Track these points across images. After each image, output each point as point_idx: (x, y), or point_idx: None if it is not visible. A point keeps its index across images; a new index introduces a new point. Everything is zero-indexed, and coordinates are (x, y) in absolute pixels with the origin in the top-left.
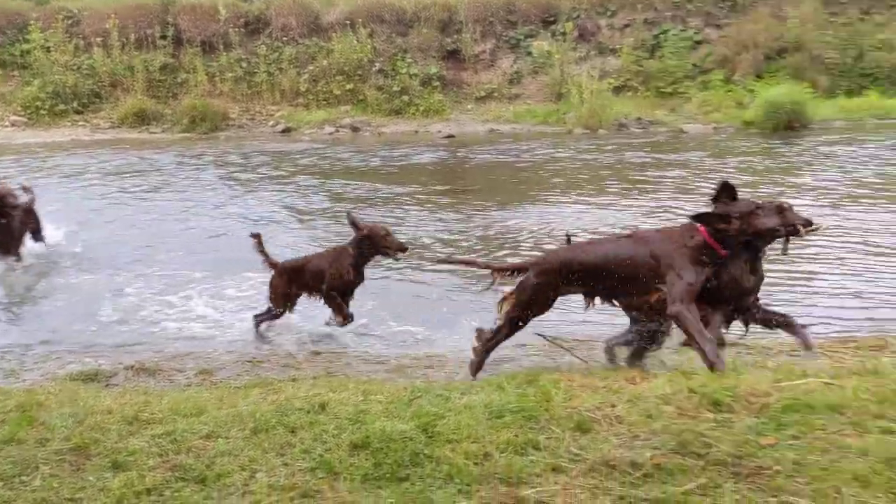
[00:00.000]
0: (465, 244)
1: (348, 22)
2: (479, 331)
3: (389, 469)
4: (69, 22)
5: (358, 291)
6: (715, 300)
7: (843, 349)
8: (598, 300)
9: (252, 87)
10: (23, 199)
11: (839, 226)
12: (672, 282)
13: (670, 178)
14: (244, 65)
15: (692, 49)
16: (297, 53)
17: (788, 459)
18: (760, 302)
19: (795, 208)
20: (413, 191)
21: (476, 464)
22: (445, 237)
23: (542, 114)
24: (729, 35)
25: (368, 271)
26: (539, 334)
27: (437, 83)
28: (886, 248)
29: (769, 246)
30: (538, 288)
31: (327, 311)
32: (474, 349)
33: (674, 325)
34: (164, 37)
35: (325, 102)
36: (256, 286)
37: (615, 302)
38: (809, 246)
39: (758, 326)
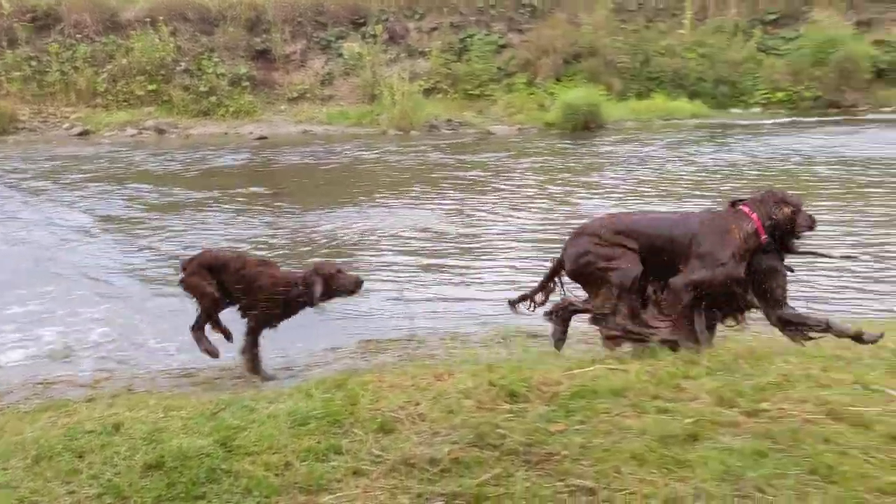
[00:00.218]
0: (263, 250)
1: (148, 19)
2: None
3: (184, 488)
4: None
5: (164, 303)
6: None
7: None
8: None
9: (44, 88)
10: None
11: None
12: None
13: (470, 178)
14: (34, 63)
15: (497, 53)
16: (93, 52)
17: (575, 444)
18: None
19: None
20: (218, 195)
21: (276, 475)
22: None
23: (356, 115)
24: (530, 40)
25: None
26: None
27: (248, 83)
28: None
29: None
30: None
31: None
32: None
33: None
34: None
35: (126, 103)
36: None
37: None
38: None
39: None
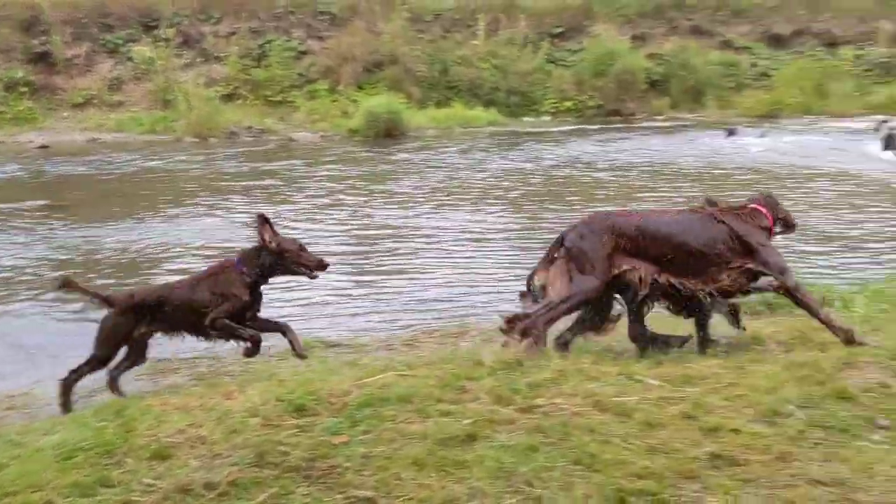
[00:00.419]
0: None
1: None
2: None
3: None
4: None
5: None
6: None
7: (429, 339)
8: None
9: None
10: None
11: (415, 228)
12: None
13: (262, 187)
14: None
15: (297, 59)
16: None
17: (358, 454)
18: None
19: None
20: None
21: None
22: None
23: (149, 122)
24: (331, 47)
25: None
26: None
27: (26, 89)
28: (454, 248)
29: None
30: None
31: None
32: None
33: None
34: None
35: None
36: None
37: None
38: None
39: None
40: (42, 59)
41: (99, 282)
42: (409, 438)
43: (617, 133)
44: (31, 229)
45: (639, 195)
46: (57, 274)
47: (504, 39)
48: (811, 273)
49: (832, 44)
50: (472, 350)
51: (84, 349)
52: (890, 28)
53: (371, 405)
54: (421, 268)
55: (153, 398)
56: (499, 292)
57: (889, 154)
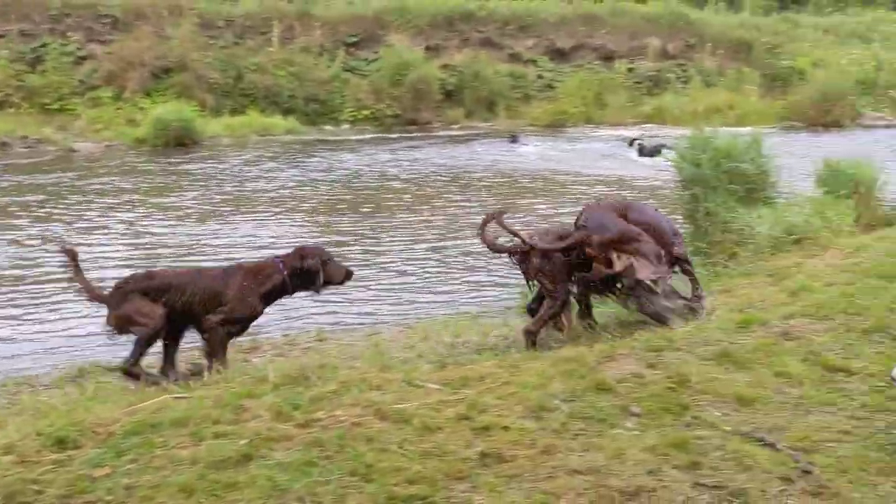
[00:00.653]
0: None
1: None
2: None
3: None
4: None
5: None
6: None
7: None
8: None
9: None
10: None
11: (200, 243)
12: None
13: (23, 204)
14: None
15: (77, 64)
16: None
17: (120, 486)
18: None
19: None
20: None
21: None
22: None
23: None
24: (114, 52)
25: None
26: None
27: None
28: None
29: None
30: None
31: None
32: None
33: None
34: None
35: None
36: None
37: None
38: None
39: None
40: None
41: None
42: (180, 464)
43: (414, 142)
44: None
45: (434, 202)
46: None
47: (299, 47)
48: None
49: (608, 58)
50: (257, 366)
51: None
52: (657, 44)
53: (140, 432)
54: None
55: None
56: (289, 308)
57: (646, 159)
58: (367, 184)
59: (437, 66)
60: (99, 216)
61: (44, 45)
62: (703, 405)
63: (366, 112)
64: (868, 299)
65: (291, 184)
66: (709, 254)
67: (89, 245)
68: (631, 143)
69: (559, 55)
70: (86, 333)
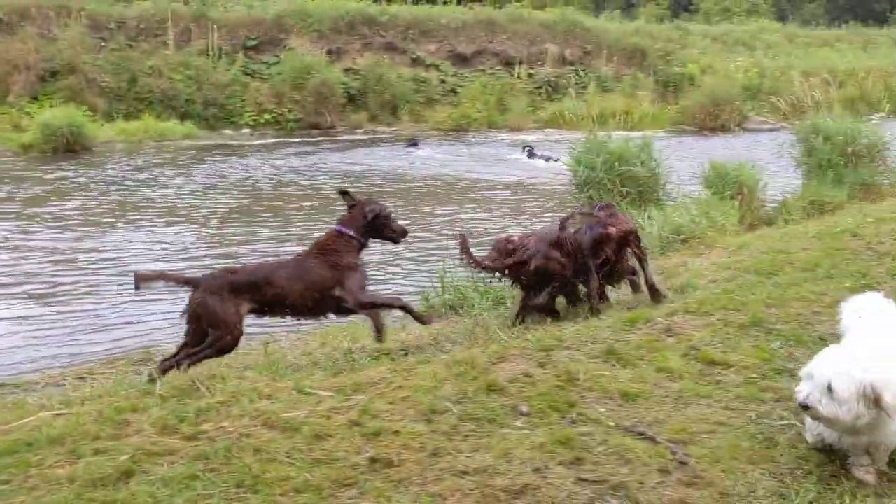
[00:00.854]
0: None
1: None
2: None
3: None
4: None
5: None
6: None
7: (109, 369)
8: None
9: None
10: None
11: (83, 252)
12: None
13: None
14: None
15: None
16: None
17: None
18: None
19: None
20: None
21: None
22: None
23: None
24: None
25: None
26: None
27: None
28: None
29: None
30: None
31: None
32: None
33: None
34: None
35: None
36: None
37: None
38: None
39: None
40: None
41: None
42: (55, 484)
43: (316, 146)
44: None
45: (335, 208)
46: None
47: (196, 50)
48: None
49: (509, 63)
50: (142, 378)
51: None
52: (555, 50)
53: (15, 452)
54: (95, 293)
55: None
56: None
57: (537, 161)
58: (265, 190)
59: (340, 69)
60: None
61: None
62: (589, 402)
63: (267, 116)
64: (746, 295)
65: (184, 191)
66: None
67: None
68: (524, 149)
69: (461, 60)
70: None
